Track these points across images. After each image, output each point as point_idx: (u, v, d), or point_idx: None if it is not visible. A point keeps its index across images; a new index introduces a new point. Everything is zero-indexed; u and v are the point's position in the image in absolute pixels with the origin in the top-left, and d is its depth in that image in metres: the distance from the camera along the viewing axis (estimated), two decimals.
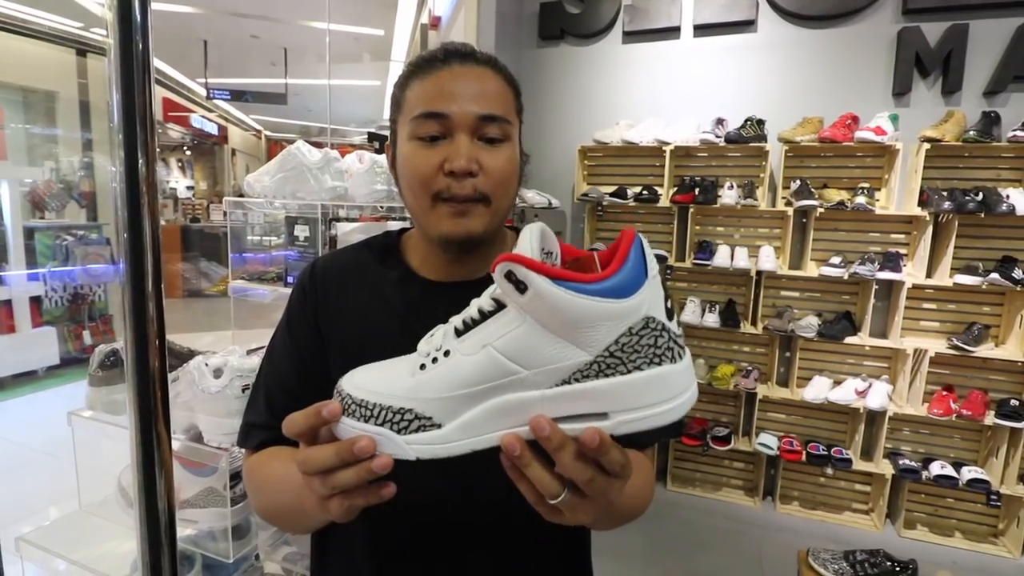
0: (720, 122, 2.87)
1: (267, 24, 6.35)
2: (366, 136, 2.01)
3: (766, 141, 2.79)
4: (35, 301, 4.68)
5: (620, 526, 0.70)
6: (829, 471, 2.81)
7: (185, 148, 11.89)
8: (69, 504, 1.24)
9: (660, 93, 3.09)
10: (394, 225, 1.59)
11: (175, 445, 1.07)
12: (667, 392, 0.44)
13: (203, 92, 8.34)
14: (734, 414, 3.07)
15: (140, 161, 0.54)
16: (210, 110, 10.59)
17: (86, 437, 1.15)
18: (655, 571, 2.43)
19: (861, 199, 2.62)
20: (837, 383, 2.81)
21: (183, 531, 1.09)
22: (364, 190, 1.47)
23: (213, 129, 10.87)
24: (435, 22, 4.63)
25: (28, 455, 3.22)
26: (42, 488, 2.70)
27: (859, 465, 2.73)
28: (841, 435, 2.92)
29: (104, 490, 1.18)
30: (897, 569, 2.21)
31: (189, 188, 11.37)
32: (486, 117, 0.68)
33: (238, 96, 8.52)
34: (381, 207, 1.50)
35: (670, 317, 0.44)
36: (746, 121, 2.81)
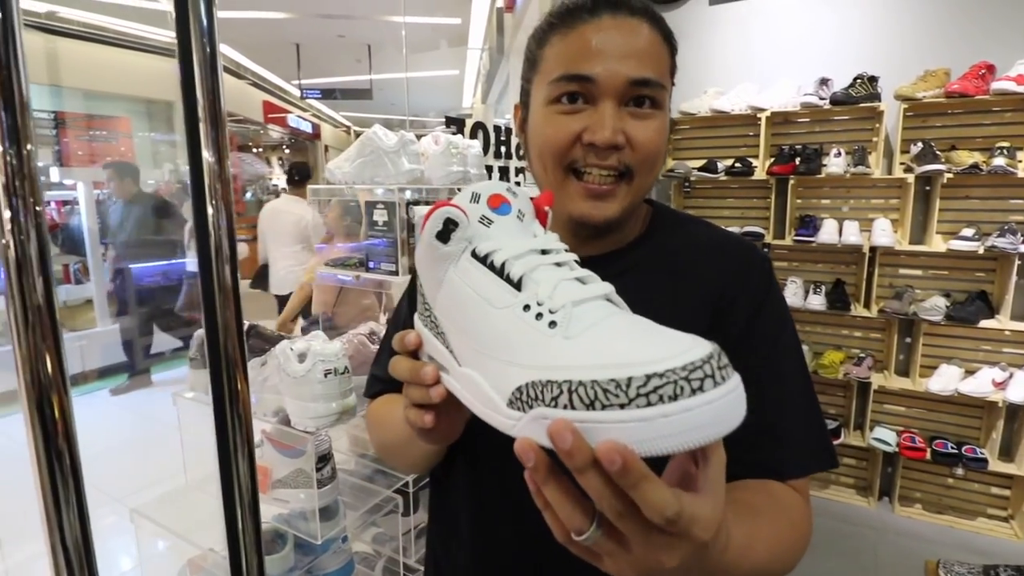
0: (824, 82, 2.59)
1: (351, 22, 6.61)
2: (443, 120, 2.00)
3: (880, 100, 2.48)
4: None
5: None
6: (959, 472, 2.49)
7: (284, 147, 12.69)
8: (181, 479, 1.34)
9: (753, 55, 2.84)
10: None
11: (266, 427, 1.11)
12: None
13: (297, 93, 8.84)
14: (843, 405, 2.80)
15: (212, 158, 0.56)
16: (304, 109, 11.22)
17: (191, 417, 1.22)
18: None
19: (1000, 160, 2.27)
20: (969, 372, 2.48)
21: (276, 510, 1.13)
22: (440, 172, 1.45)
23: (308, 127, 11.53)
24: (510, 4, 4.56)
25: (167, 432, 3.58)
26: (172, 460, 2.99)
27: (996, 466, 2.39)
28: (974, 431, 2.58)
29: (209, 465, 1.25)
30: None
31: None
32: (638, 81, 0.59)
33: (328, 94, 8.97)
34: (458, 189, 1.48)
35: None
36: (855, 79, 2.52)
